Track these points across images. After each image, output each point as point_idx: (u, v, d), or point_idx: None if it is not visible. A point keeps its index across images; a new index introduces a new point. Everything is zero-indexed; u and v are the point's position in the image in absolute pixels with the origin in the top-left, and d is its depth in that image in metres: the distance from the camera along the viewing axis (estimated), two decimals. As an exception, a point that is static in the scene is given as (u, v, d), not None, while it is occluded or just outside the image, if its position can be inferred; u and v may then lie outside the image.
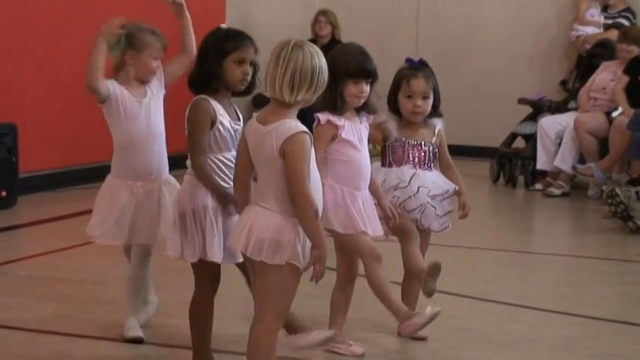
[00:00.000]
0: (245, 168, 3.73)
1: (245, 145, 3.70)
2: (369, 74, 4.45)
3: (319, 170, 3.74)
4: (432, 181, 4.78)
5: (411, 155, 4.77)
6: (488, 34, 12.20)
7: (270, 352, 3.68)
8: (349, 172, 4.44)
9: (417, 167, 4.77)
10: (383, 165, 4.81)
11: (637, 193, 7.79)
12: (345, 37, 10.81)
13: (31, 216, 7.70)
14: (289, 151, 3.54)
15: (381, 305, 4.60)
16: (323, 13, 11.20)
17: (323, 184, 4.19)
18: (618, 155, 9.21)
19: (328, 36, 11.02)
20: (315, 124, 4.41)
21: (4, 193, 7.84)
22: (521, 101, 10.70)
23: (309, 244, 3.58)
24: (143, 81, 4.70)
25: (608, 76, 9.92)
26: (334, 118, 4.41)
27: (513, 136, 10.56)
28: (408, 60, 4.85)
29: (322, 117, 4.41)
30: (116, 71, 4.72)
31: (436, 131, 4.84)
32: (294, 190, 3.53)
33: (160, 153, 4.70)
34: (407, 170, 4.76)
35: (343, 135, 4.42)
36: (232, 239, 3.73)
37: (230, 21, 11.11)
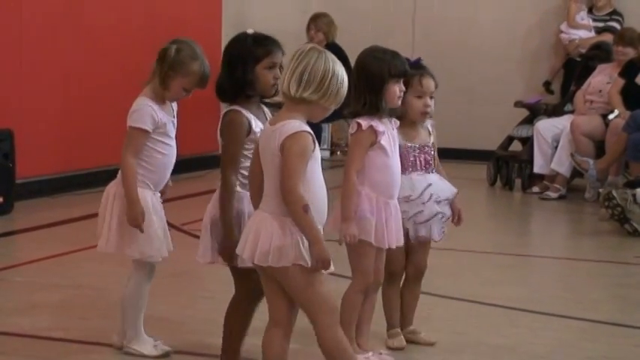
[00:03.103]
0: (257, 172, 3.74)
1: (257, 149, 3.73)
2: (407, 73, 4.43)
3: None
4: (437, 185, 4.66)
5: (417, 160, 4.65)
6: (484, 37, 12.22)
7: (341, 346, 3.69)
8: (385, 180, 4.33)
9: (423, 172, 4.65)
10: None
11: (634, 195, 7.80)
12: (342, 40, 10.82)
13: (28, 222, 7.69)
14: (288, 146, 3.57)
15: (376, 311, 4.60)
16: (313, 19, 11.16)
17: (359, 193, 4.21)
18: (614, 157, 9.22)
19: (323, 41, 10.99)
20: (354, 130, 4.30)
21: (0, 199, 7.83)
22: (518, 104, 10.70)
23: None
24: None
25: (604, 79, 9.93)
26: (376, 124, 4.30)
27: (510, 139, 10.56)
28: (407, 60, 4.77)
29: (364, 122, 4.28)
30: (151, 78, 4.48)
31: (431, 131, 4.74)
32: (283, 185, 3.56)
33: None
34: (419, 180, 4.62)
35: (382, 142, 4.31)
36: (239, 247, 3.75)
37: (226, 25, 11.11)
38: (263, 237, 3.63)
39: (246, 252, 3.68)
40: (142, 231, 4.37)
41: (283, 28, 10.59)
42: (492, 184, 10.35)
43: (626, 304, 5.87)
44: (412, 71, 4.61)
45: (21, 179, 8.28)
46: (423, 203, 4.61)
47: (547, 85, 11.61)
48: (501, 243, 7.73)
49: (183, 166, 4.45)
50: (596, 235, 8.04)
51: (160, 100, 4.46)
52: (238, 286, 4.20)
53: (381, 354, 4.50)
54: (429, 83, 4.65)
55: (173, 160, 4.53)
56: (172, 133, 4.51)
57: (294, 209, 3.55)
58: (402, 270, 4.76)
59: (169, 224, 4.64)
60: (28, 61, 8.55)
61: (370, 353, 4.46)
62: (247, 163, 4.06)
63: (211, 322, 5.07)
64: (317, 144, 3.65)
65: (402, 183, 4.52)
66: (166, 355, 4.52)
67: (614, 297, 6.02)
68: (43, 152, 8.76)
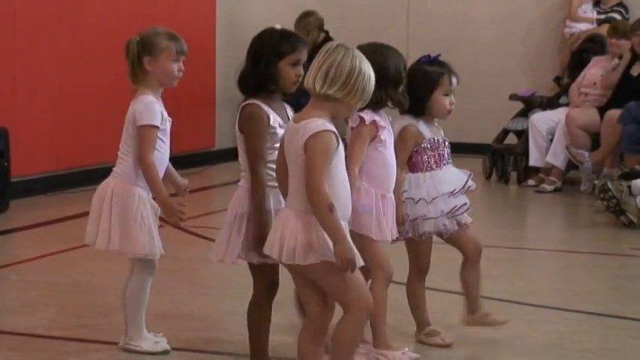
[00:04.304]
0: (284, 167, 3.74)
1: (282, 145, 3.74)
2: (405, 68, 4.44)
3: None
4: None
5: (445, 154, 4.68)
6: (479, 31, 12.22)
7: (354, 347, 3.72)
8: (383, 174, 4.32)
9: (448, 165, 4.68)
10: (418, 171, 4.62)
11: (629, 187, 7.82)
12: (336, 36, 10.80)
13: (24, 220, 7.69)
14: (311, 146, 3.56)
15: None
16: (298, 21, 11.15)
17: (359, 187, 4.20)
18: (609, 149, 9.25)
19: (316, 40, 10.99)
20: (356, 124, 4.27)
21: (-4, 198, 7.84)
22: (513, 97, 10.70)
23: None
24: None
25: (598, 72, 9.95)
26: (379, 119, 4.30)
27: (505, 133, 10.57)
28: (427, 57, 4.71)
29: (367, 117, 4.25)
30: (134, 82, 4.49)
31: (437, 125, 4.78)
32: (308, 184, 3.55)
33: None
34: (458, 173, 4.67)
35: (382, 136, 4.31)
36: (266, 247, 3.75)
37: (220, 21, 11.10)
38: (288, 235, 3.62)
39: (274, 251, 3.68)
40: (182, 220, 4.37)
41: (277, 23, 10.66)
42: (488, 177, 10.35)
43: (622, 296, 5.88)
44: (438, 69, 4.65)
45: (16, 177, 8.28)
46: (463, 195, 4.65)
47: (558, 80, 11.59)
48: (497, 236, 7.73)
49: (179, 162, 4.44)
50: (591, 227, 8.05)
51: (158, 94, 4.46)
52: (257, 281, 4.17)
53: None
54: (455, 81, 4.71)
55: (167, 159, 4.52)
56: (168, 131, 4.52)
57: (319, 209, 3.53)
58: (429, 266, 4.76)
59: (166, 221, 4.65)
60: (22, 59, 8.54)
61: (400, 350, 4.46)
62: (269, 158, 4.05)
63: (208, 319, 5.09)
64: (341, 142, 3.64)
65: (444, 177, 4.60)
66: (166, 352, 4.52)
67: (610, 289, 6.03)
68: (38, 150, 8.76)
